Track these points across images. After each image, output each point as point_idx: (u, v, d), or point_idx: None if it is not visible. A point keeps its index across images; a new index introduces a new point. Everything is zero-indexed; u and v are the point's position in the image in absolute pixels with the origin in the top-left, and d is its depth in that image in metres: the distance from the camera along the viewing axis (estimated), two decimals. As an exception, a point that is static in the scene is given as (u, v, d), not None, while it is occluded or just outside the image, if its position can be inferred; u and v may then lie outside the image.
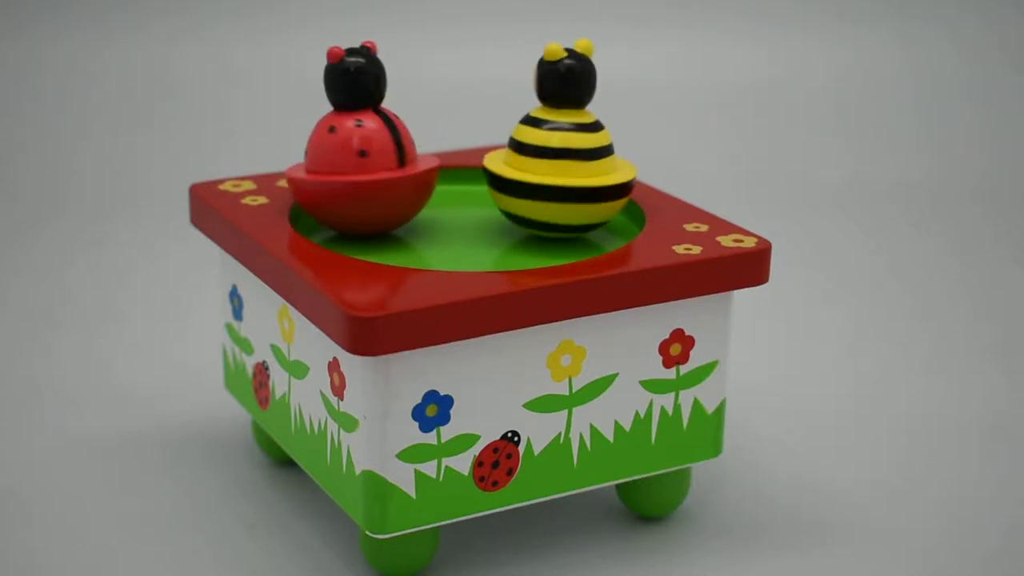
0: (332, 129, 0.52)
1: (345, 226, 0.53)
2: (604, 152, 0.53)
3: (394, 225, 0.53)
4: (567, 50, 0.53)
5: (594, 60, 1.07)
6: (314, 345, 0.50)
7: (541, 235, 0.54)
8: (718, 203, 0.94)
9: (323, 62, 1.07)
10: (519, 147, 0.53)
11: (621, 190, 0.52)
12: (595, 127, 0.53)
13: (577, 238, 0.54)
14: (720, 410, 0.54)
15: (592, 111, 1.04)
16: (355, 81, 0.52)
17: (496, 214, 0.57)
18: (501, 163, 0.53)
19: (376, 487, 0.48)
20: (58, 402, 0.64)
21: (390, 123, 0.52)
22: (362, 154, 0.52)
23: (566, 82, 0.52)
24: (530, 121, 0.53)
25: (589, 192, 0.52)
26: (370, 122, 0.52)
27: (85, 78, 1.05)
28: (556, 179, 0.52)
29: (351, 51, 0.52)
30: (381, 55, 1.07)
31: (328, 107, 1.04)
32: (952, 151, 1.03)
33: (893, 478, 0.59)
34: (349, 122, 0.52)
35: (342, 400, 0.49)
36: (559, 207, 0.52)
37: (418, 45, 1.09)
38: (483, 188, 0.60)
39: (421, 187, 0.52)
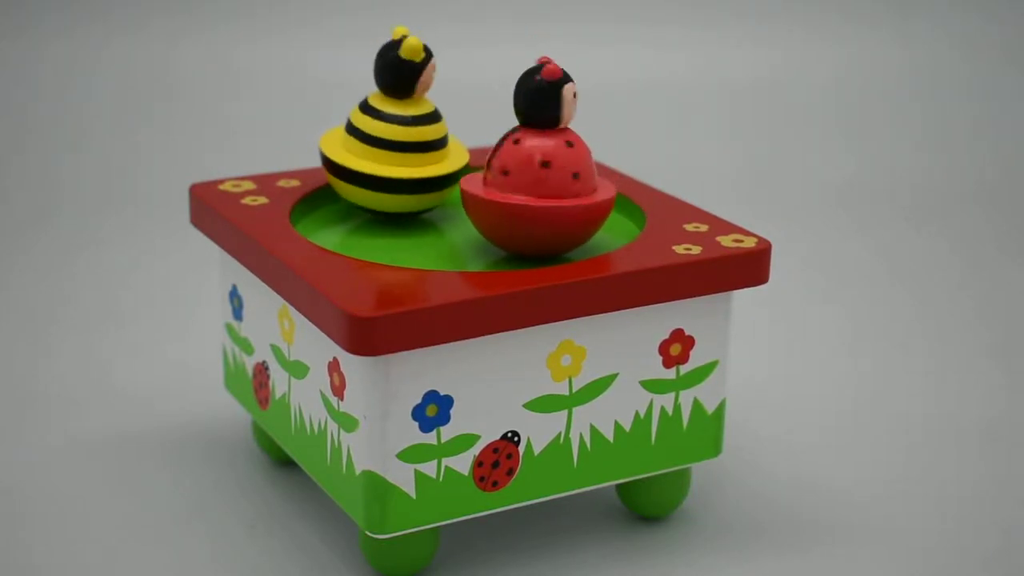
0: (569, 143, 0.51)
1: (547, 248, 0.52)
2: (440, 143, 0.55)
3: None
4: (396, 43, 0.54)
5: (591, 58, 1.07)
6: (314, 345, 0.50)
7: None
8: (718, 203, 0.94)
9: (322, 62, 1.07)
10: (357, 133, 0.54)
11: (448, 180, 0.55)
12: (433, 118, 0.55)
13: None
14: (720, 410, 0.54)
15: (592, 111, 1.04)
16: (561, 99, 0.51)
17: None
18: (341, 150, 0.55)
19: (376, 487, 0.48)
20: (58, 402, 0.64)
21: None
22: (575, 176, 0.51)
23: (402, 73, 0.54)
24: (368, 110, 0.54)
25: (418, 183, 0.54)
26: (577, 142, 0.52)
27: (85, 78, 1.05)
28: (389, 170, 0.54)
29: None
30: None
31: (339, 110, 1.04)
32: (952, 151, 1.03)
33: (893, 478, 0.59)
34: (563, 143, 0.51)
35: (342, 400, 0.49)
36: (386, 197, 0.54)
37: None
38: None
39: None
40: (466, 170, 0.56)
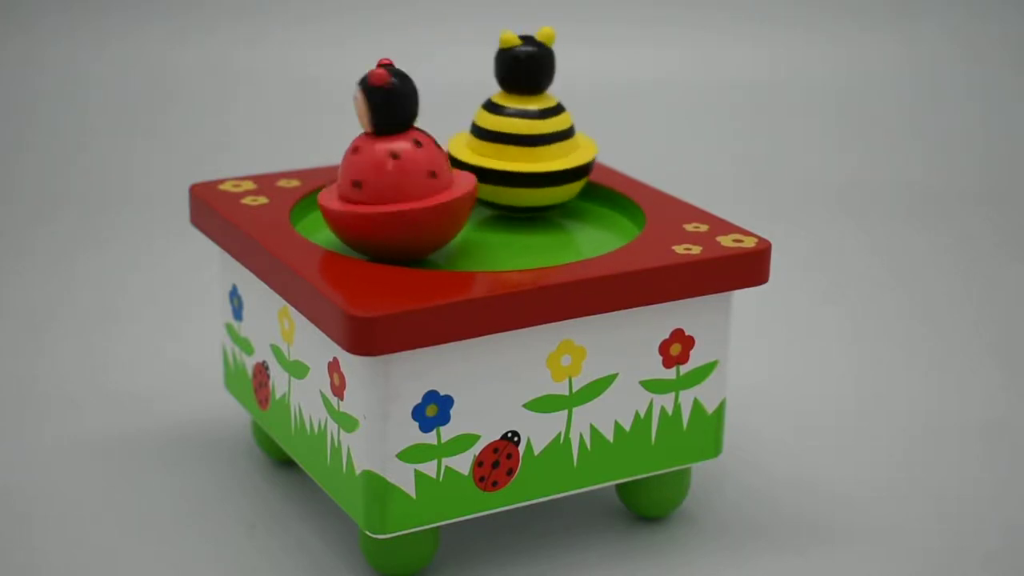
0: (395, 155, 0.50)
1: (402, 251, 0.51)
2: (564, 135, 0.55)
3: (442, 245, 0.52)
4: (523, 37, 0.55)
5: (591, 58, 1.07)
6: (314, 345, 0.50)
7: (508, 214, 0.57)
8: (718, 203, 0.94)
9: (322, 62, 1.07)
10: (480, 132, 0.55)
11: (574, 174, 0.55)
12: (555, 111, 0.55)
13: (565, 225, 0.56)
14: (720, 410, 0.54)
15: (592, 111, 1.04)
16: (400, 102, 0.50)
17: (493, 214, 0.57)
18: (466, 150, 0.55)
19: (376, 487, 0.48)
20: (58, 402, 0.64)
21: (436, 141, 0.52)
22: (432, 175, 0.50)
23: (522, 69, 0.54)
24: (491, 107, 0.55)
25: (540, 177, 0.54)
26: (427, 142, 0.51)
27: (85, 78, 1.05)
28: (511, 164, 0.54)
29: (387, 71, 0.50)
30: (379, 55, 1.07)
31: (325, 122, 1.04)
32: (952, 151, 1.03)
33: (893, 478, 0.59)
34: (405, 144, 0.50)
35: (342, 400, 0.49)
36: (515, 191, 0.54)
37: (416, 45, 1.09)
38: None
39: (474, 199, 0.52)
40: (590, 165, 0.56)
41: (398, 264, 0.51)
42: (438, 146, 0.51)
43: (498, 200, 0.55)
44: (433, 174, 0.50)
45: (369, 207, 0.50)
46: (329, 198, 0.51)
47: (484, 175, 0.54)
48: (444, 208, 0.50)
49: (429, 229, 0.50)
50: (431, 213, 0.50)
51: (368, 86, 0.50)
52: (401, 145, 0.50)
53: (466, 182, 0.52)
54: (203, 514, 0.56)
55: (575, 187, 0.55)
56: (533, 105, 0.55)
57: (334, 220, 0.50)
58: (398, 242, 0.50)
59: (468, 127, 1.02)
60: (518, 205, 0.55)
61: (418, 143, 0.50)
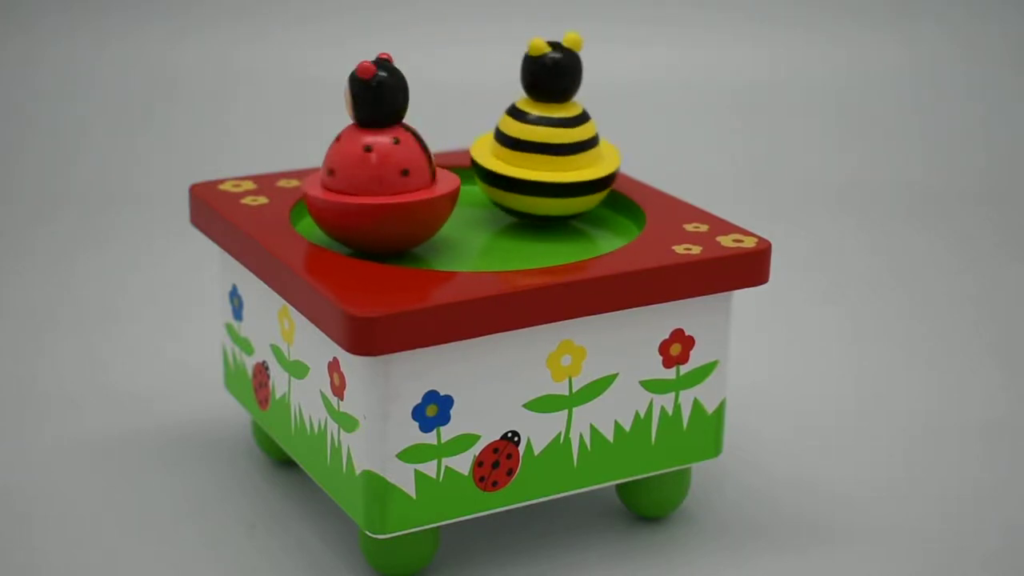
0: (368, 148, 0.50)
1: (374, 246, 0.51)
2: (588, 144, 0.54)
3: (418, 244, 0.52)
4: (551, 44, 0.54)
5: (590, 57, 1.07)
6: (314, 345, 0.50)
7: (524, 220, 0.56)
8: (718, 203, 0.94)
9: (322, 62, 1.07)
10: (504, 139, 0.54)
11: (600, 184, 0.54)
12: (580, 120, 0.54)
13: (566, 226, 0.56)
14: (720, 410, 0.54)
15: (592, 111, 1.04)
16: (384, 97, 0.50)
17: (492, 213, 0.57)
18: (489, 156, 0.55)
19: (376, 487, 0.48)
20: (58, 402, 0.64)
21: (420, 139, 0.52)
22: (404, 173, 0.51)
23: (550, 75, 0.54)
24: (515, 113, 0.54)
25: (567, 187, 0.54)
26: (406, 139, 0.51)
27: (85, 78, 1.05)
28: (536, 174, 0.53)
29: (376, 65, 0.51)
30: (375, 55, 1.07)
31: (326, 117, 1.04)
32: (952, 151, 1.03)
33: (893, 478, 0.59)
34: (385, 139, 0.51)
35: (342, 400, 0.49)
36: (538, 200, 0.54)
37: (415, 44, 1.09)
38: (478, 188, 0.60)
39: (453, 203, 0.52)
40: (613, 176, 0.55)
41: (379, 260, 0.51)
42: (422, 146, 0.51)
43: (522, 208, 0.54)
44: (405, 172, 0.50)
45: (337, 196, 0.50)
46: (312, 184, 0.52)
47: (510, 184, 0.54)
48: (409, 208, 0.50)
49: (395, 225, 0.50)
50: (395, 210, 0.50)
51: (353, 78, 0.50)
52: (378, 140, 0.50)
53: (447, 183, 0.52)
54: (203, 514, 0.56)
55: (599, 196, 0.55)
56: (559, 113, 0.54)
57: (308, 204, 0.51)
58: (363, 234, 0.50)
59: (468, 127, 1.02)
60: (540, 214, 0.54)
61: (396, 140, 0.50)
